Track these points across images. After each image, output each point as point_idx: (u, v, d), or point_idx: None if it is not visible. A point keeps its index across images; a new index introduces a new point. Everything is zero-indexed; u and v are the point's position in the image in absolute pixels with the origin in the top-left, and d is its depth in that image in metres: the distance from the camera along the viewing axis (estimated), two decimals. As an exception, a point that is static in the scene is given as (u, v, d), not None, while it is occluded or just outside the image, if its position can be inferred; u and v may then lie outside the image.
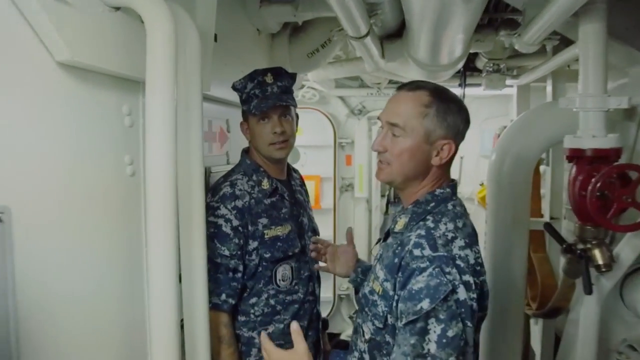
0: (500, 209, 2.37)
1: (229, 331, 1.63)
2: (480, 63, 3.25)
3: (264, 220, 1.67)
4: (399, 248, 1.18)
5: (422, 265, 1.10)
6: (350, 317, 4.96)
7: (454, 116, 1.23)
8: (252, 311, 1.68)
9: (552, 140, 2.35)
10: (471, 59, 3.48)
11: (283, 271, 1.70)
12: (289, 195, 1.78)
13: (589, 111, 1.68)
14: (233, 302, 1.63)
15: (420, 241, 1.14)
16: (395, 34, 2.66)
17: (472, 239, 1.21)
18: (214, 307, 1.56)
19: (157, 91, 1.12)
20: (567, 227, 2.98)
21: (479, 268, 1.18)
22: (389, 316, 1.16)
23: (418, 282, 1.09)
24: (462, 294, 1.09)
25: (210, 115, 1.93)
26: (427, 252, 1.12)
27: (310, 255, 1.75)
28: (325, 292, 4.80)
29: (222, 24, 1.93)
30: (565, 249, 1.81)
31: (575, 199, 1.70)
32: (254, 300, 1.68)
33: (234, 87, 1.72)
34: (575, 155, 1.71)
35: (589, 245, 1.74)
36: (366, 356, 1.24)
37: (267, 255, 1.66)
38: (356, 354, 1.29)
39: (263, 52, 2.53)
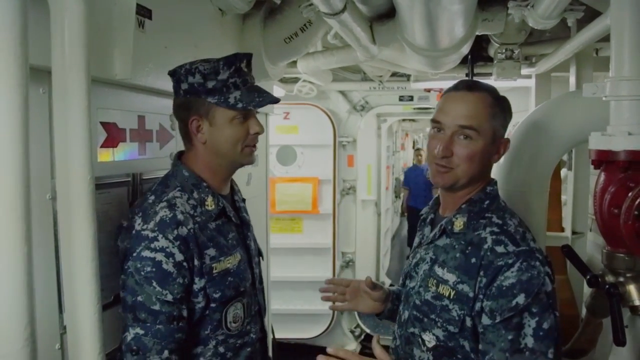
0: (511, 222, 1.95)
1: None
2: (492, 50, 2.82)
3: (211, 252, 1.31)
4: (470, 248, 1.19)
5: (510, 261, 1.13)
6: (352, 331, 4.59)
7: (509, 113, 1.29)
8: None
9: (576, 138, 1.90)
10: (484, 47, 3.07)
11: (234, 311, 1.37)
12: (234, 215, 1.44)
13: (622, 100, 1.26)
14: (177, 358, 1.27)
15: (500, 238, 1.17)
16: (386, 14, 2.27)
17: (530, 232, 1.25)
18: None
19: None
20: (595, 241, 2.54)
21: (546, 255, 1.22)
22: (467, 319, 1.16)
23: (508, 278, 1.11)
24: (548, 285, 1.13)
25: (143, 109, 1.58)
26: (511, 247, 1.15)
27: (322, 298, 1.57)
28: (325, 305, 4.42)
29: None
30: (590, 281, 1.39)
31: (603, 217, 1.28)
32: (199, 349, 1.34)
33: (190, 71, 1.30)
34: (604, 159, 1.30)
35: (621, 279, 1.32)
36: None
37: (217, 295, 1.32)
38: None
39: (229, 37, 2.17)
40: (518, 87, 3.76)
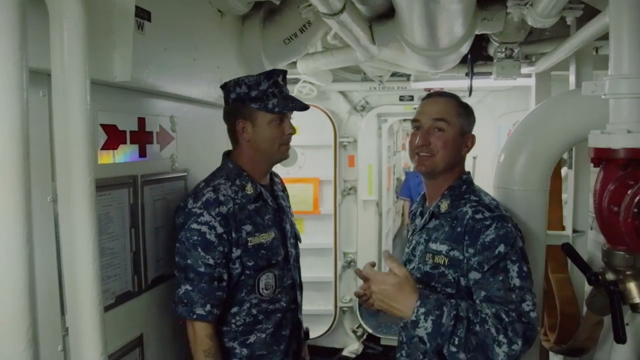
0: (512, 221, 1.94)
1: (215, 343, 1.55)
2: (492, 49, 2.82)
3: (247, 227, 1.59)
4: (456, 222, 1.43)
5: (487, 223, 1.37)
6: (354, 331, 4.58)
7: (472, 116, 1.58)
8: (233, 321, 1.62)
9: (575, 136, 1.91)
10: (483, 46, 3.06)
11: (266, 280, 1.64)
12: (272, 200, 1.71)
13: (622, 98, 1.26)
14: (218, 312, 1.55)
15: (478, 208, 1.41)
16: (385, 14, 2.27)
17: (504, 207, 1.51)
18: (198, 318, 1.51)
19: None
20: (596, 239, 2.53)
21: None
22: (461, 279, 1.38)
23: (488, 235, 1.35)
24: (519, 242, 1.38)
25: (143, 111, 1.58)
26: (487, 213, 1.40)
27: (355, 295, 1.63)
28: (327, 305, 4.44)
29: (162, 1, 1.61)
30: (591, 279, 1.39)
31: (602, 215, 1.28)
32: (235, 309, 1.61)
33: (238, 83, 1.62)
34: (603, 157, 1.30)
35: (621, 277, 1.32)
36: None
37: (251, 264, 1.60)
38: None
39: (229, 38, 2.17)
40: (518, 86, 3.76)
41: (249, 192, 1.63)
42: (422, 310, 1.25)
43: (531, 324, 1.27)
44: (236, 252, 1.56)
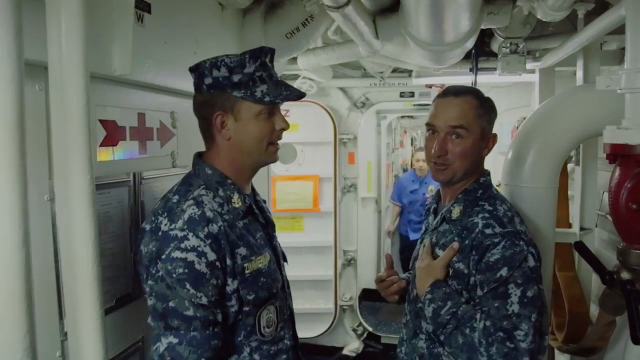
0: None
1: None
2: (496, 45, 2.78)
3: (242, 250, 1.23)
4: (465, 232, 1.36)
5: (495, 240, 1.29)
6: (354, 330, 4.55)
7: (494, 112, 1.47)
8: None
9: (585, 132, 1.88)
10: (487, 42, 3.02)
11: (267, 315, 1.30)
12: (260, 214, 1.38)
13: (639, 92, 1.22)
14: None
15: (489, 222, 1.33)
16: (390, 8, 2.23)
17: (520, 216, 1.42)
18: None
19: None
20: (601, 237, 2.51)
21: (534, 242, 1.36)
22: (464, 292, 1.34)
23: (494, 255, 1.27)
24: (531, 261, 1.29)
25: (143, 106, 1.53)
26: (497, 229, 1.31)
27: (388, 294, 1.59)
28: (327, 304, 4.41)
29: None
30: (606, 279, 1.35)
31: (619, 213, 1.25)
32: (232, 359, 1.26)
33: (216, 64, 1.24)
34: (620, 153, 1.27)
35: (637, 276, 1.29)
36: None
37: (251, 297, 1.24)
38: (422, 336, 1.43)
39: (230, 32, 2.12)
40: (520, 83, 3.72)
41: (236, 205, 1.28)
42: (428, 296, 1.35)
43: (518, 350, 1.21)
44: (232, 285, 1.21)
